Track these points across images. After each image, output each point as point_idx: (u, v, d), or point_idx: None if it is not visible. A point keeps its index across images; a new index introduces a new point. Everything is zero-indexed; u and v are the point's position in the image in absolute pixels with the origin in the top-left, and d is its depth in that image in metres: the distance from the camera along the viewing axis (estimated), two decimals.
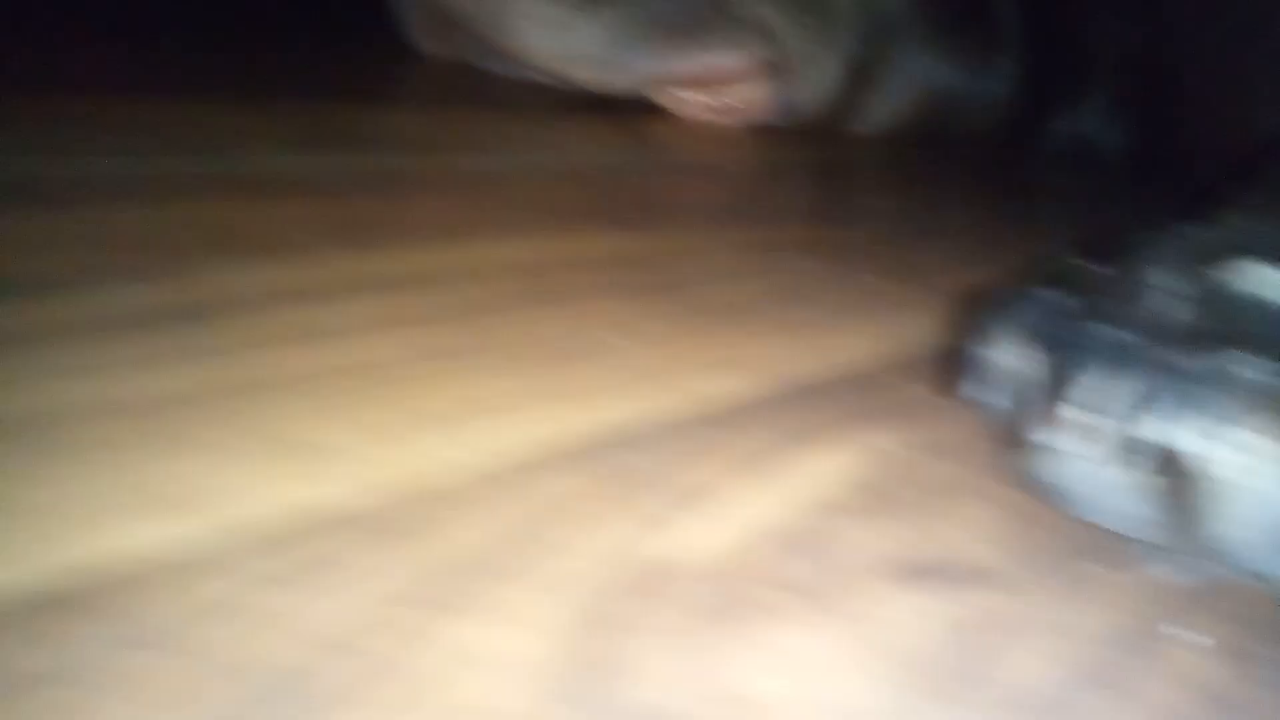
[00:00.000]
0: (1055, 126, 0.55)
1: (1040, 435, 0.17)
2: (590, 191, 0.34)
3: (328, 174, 0.30)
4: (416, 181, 0.31)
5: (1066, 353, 0.17)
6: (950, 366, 0.24)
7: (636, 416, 0.19)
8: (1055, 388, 0.17)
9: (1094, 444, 0.16)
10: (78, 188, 0.25)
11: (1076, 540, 0.17)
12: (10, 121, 0.28)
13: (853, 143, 0.50)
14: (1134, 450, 0.16)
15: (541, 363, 0.21)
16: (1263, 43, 0.47)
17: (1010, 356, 0.19)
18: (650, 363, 0.22)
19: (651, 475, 0.17)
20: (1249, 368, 0.16)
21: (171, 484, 0.14)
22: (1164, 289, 0.18)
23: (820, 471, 0.19)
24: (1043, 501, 0.18)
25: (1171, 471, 0.16)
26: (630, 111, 0.46)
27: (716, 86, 0.46)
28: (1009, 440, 0.19)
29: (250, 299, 0.21)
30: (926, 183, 0.48)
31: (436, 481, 0.16)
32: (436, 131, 0.38)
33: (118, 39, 0.42)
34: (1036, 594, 0.16)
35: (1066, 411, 0.16)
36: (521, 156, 0.36)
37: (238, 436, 0.16)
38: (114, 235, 0.22)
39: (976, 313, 0.20)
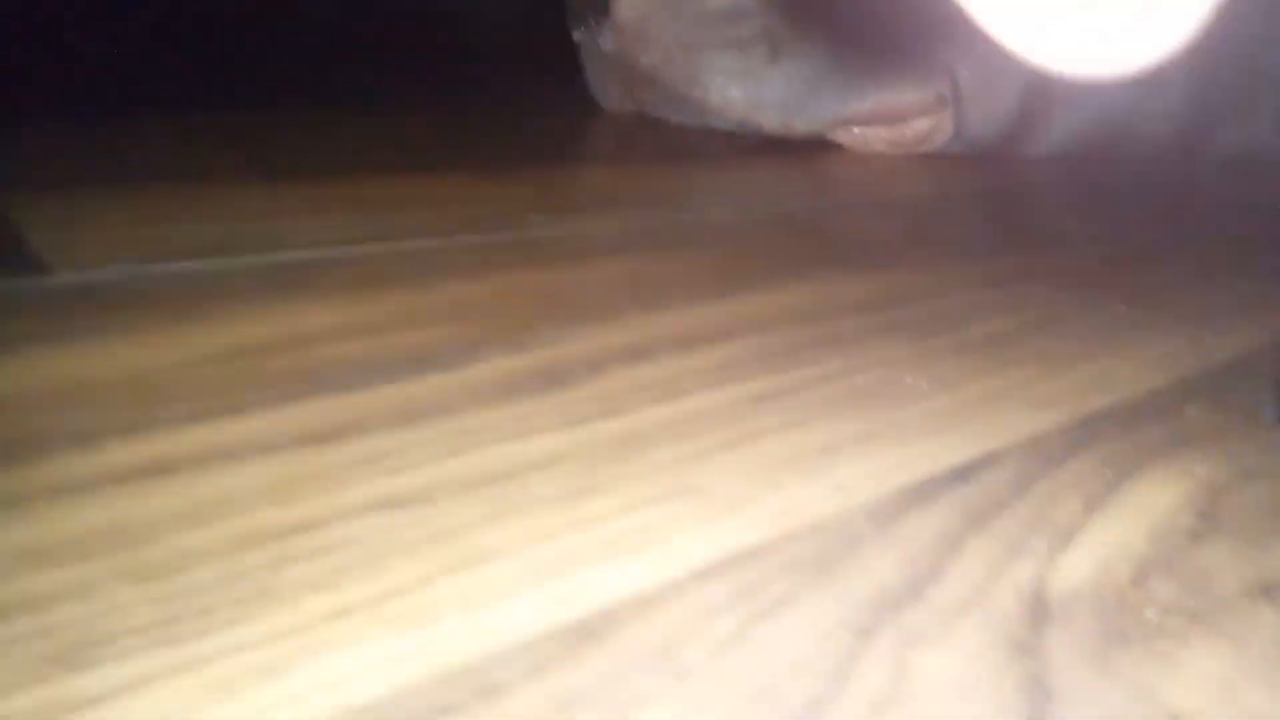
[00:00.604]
0: (1224, 139, 0.55)
1: None
2: (811, 235, 0.36)
3: (583, 241, 0.32)
4: (665, 236, 0.33)
5: None
6: (1245, 399, 0.25)
7: (968, 458, 0.21)
8: None
9: None
10: (399, 269, 0.27)
11: None
12: (318, 209, 0.31)
13: (1030, 167, 0.50)
14: None
15: (862, 407, 0.23)
16: None
17: None
18: (954, 403, 0.23)
19: (1005, 511, 0.19)
20: None
21: (614, 529, 0.17)
22: None
23: (1154, 502, 0.20)
24: None
25: None
26: (808, 151, 0.47)
27: (896, 122, 0.48)
28: None
29: (594, 361, 0.23)
30: (1118, 203, 0.48)
31: (827, 519, 0.18)
32: (651, 188, 0.40)
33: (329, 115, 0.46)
34: None
35: None
36: (735, 208, 0.38)
37: (646, 485, 0.18)
38: (457, 309, 0.25)
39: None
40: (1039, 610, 0.16)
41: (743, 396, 0.22)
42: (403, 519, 0.16)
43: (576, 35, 0.49)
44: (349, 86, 0.53)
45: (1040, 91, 0.49)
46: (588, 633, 0.14)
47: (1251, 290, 0.34)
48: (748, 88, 0.45)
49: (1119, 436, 0.23)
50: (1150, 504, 0.20)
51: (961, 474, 0.20)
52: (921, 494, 0.19)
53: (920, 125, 0.48)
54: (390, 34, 0.76)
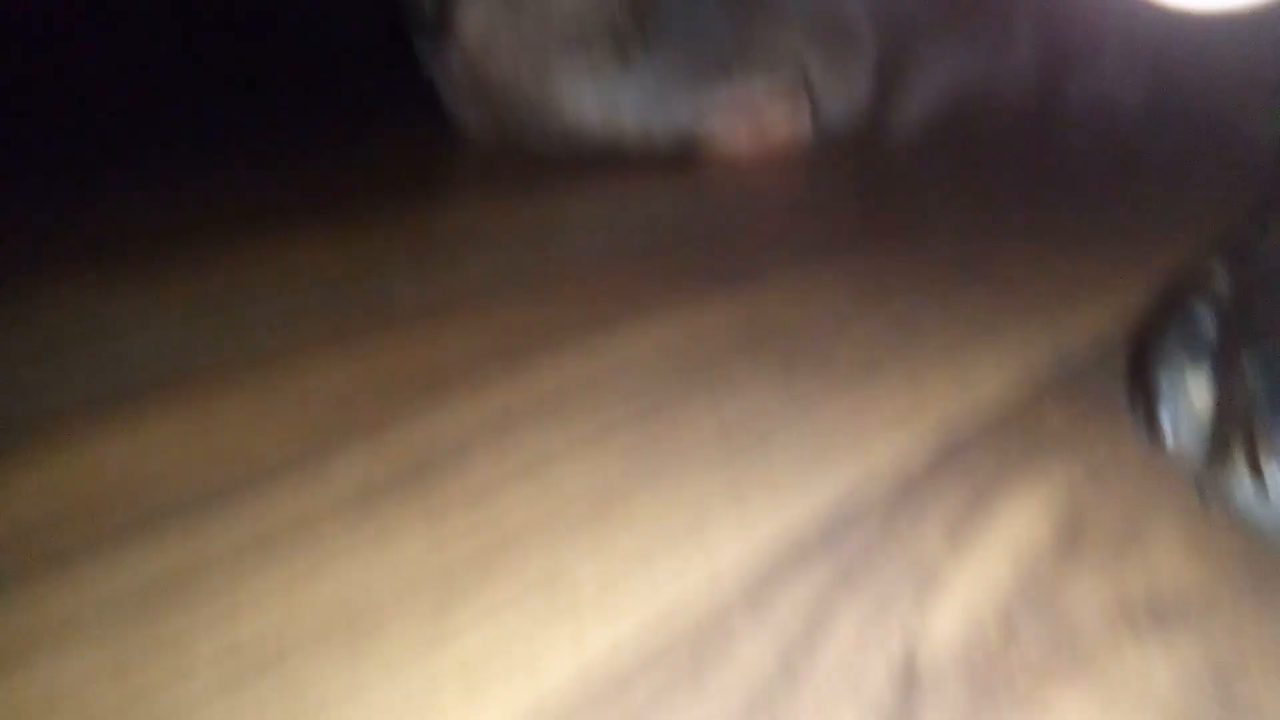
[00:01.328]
0: (1073, 92, 0.56)
1: (1232, 462, 0.19)
2: (679, 254, 0.36)
3: (445, 291, 0.31)
4: (530, 279, 0.32)
5: (1236, 376, 0.19)
6: (1099, 386, 0.26)
7: (835, 500, 0.21)
8: (1244, 416, 0.18)
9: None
10: (246, 367, 0.26)
11: None
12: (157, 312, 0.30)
13: (893, 155, 0.51)
14: None
15: (731, 451, 0.22)
16: None
17: (1183, 384, 0.20)
18: (820, 430, 0.24)
19: (874, 559, 0.19)
20: None
21: (478, 653, 0.16)
22: None
23: (1016, 524, 0.20)
24: (1245, 530, 0.19)
25: None
26: (673, 168, 0.47)
27: (756, 114, 0.48)
28: (1195, 469, 0.21)
29: (458, 445, 0.22)
30: (973, 175, 0.49)
31: (698, 607, 0.18)
32: (517, 222, 0.39)
33: (141, 177, 0.44)
34: (1271, 625, 0.17)
35: (1251, 437, 0.18)
36: (603, 235, 0.38)
37: (511, 595, 0.18)
38: (311, 405, 0.24)
39: (1135, 339, 0.22)
40: (910, 680, 0.16)
41: (612, 462, 0.22)
42: (251, 679, 0.15)
43: (424, 58, 0.48)
44: (181, 129, 0.50)
45: (892, 67, 0.49)
46: None
47: (1106, 261, 0.35)
48: (600, 89, 0.45)
49: (979, 447, 0.23)
50: (1012, 526, 0.20)
51: (830, 524, 0.20)
52: (792, 557, 0.19)
53: (778, 117, 0.48)
54: (228, 68, 0.72)
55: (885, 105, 0.50)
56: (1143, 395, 0.23)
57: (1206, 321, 0.22)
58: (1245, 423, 0.18)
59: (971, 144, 0.51)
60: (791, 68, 0.47)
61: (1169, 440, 0.21)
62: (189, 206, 0.38)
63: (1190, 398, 0.21)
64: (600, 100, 0.45)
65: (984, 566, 0.19)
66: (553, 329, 0.29)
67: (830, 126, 0.50)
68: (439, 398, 0.24)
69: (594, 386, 0.25)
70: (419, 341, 0.28)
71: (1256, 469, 0.18)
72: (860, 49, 0.48)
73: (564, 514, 0.20)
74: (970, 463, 0.22)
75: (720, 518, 0.20)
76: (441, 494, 0.21)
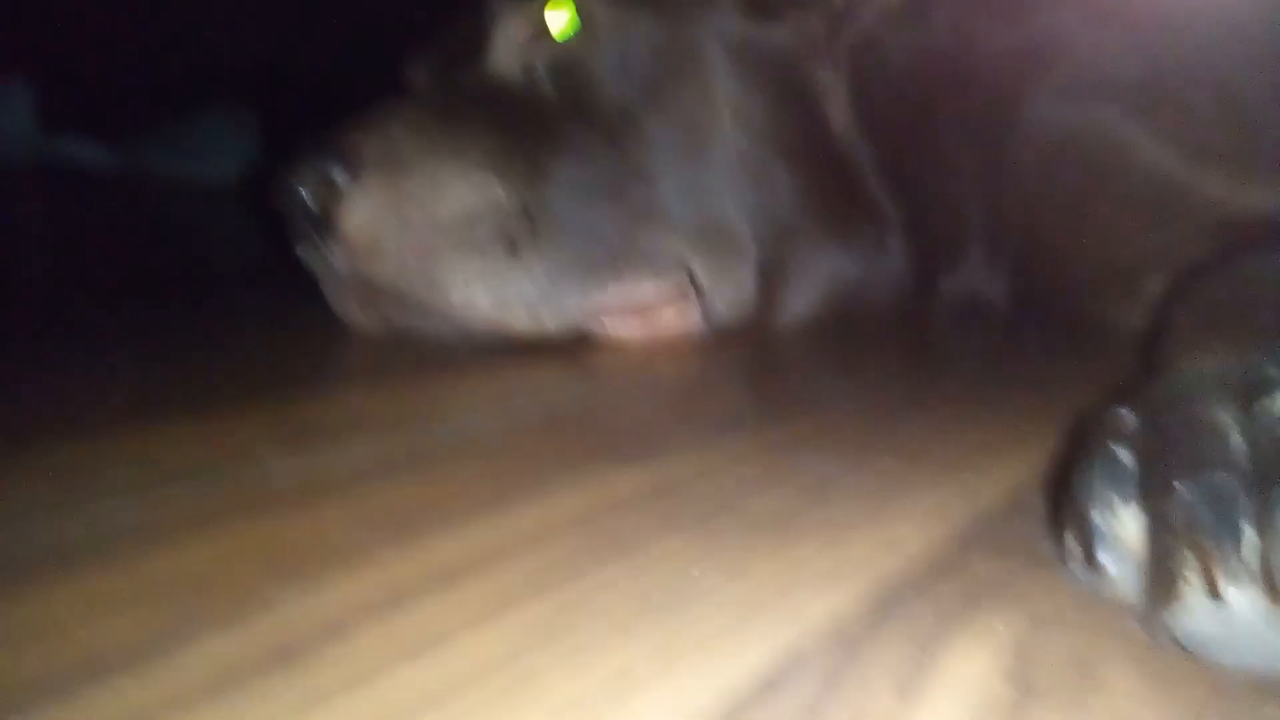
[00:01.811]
0: (945, 287, 0.60)
1: (1183, 592, 0.17)
2: (579, 432, 0.35)
3: (328, 473, 0.29)
4: (419, 461, 0.30)
5: (1174, 509, 0.18)
6: (1022, 538, 0.25)
7: (771, 660, 0.19)
8: (1194, 545, 0.18)
9: (1239, 588, 0.17)
10: (89, 547, 0.23)
11: (1259, 688, 0.18)
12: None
13: (777, 337, 0.52)
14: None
15: (654, 617, 0.20)
16: (1111, 186, 0.53)
17: (1117, 522, 0.20)
18: (748, 593, 0.22)
19: (823, 714, 0.17)
20: None
21: None
22: (1225, 427, 0.20)
23: (966, 677, 0.19)
24: (1201, 660, 0.18)
25: None
26: (565, 346, 0.47)
27: (644, 313, 0.48)
28: (1135, 602, 0.20)
29: (335, 623, 0.19)
30: (863, 359, 0.50)
31: None
32: (407, 405, 0.38)
33: (40, 369, 0.40)
34: None
35: (1206, 564, 0.17)
36: (498, 415, 0.36)
37: None
38: (162, 584, 0.21)
39: (1053, 486, 0.21)
40: None
41: (518, 633, 0.19)
42: None
43: (302, 254, 0.47)
44: (41, 331, 0.47)
45: (774, 269, 0.51)
46: None
47: (1000, 428, 0.36)
48: (492, 288, 0.44)
49: (915, 602, 0.22)
50: (962, 680, 0.18)
51: (768, 682, 0.18)
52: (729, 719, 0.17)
53: (668, 315, 0.49)
54: (98, 260, 0.70)
55: (769, 301, 0.52)
56: (1076, 537, 0.22)
57: (1127, 460, 0.22)
58: (1198, 551, 0.18)
59: (853, 332, 0.53)
60: (678, 269, 0.48)
61: (1109, 579, 0.20)
62: (37, 406, 0.35)
63: (1125, 535, 0.21)
64: (491, 296, 0.45)
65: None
66: (447, 506, 0.26)
67: (720, 323, 0.50)
68: (314, 577, 0.22)
69: (495, 559, 0.23)
70: (294, 524, 0.25)
71: (1215, 594, 0.17)
72: (743, 250, 0.50)
73: (462, 694, 0.17)
74: (908, 617, 0.21)
75: (646, 687, 0.18)
76: (315, 679, 0.18)
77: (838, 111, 0.54)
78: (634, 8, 0.50)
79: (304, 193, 0.44)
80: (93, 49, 1.42)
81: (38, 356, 0.42)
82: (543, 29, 0.49)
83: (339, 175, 0.43)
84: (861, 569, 0.23)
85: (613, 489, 0.28)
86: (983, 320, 0.57)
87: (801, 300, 0.53)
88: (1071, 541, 0.22)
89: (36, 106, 1.39)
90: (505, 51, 0.50)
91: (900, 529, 0.26)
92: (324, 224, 0.44)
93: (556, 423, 0.36)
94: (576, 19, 0.49)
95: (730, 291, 0.50)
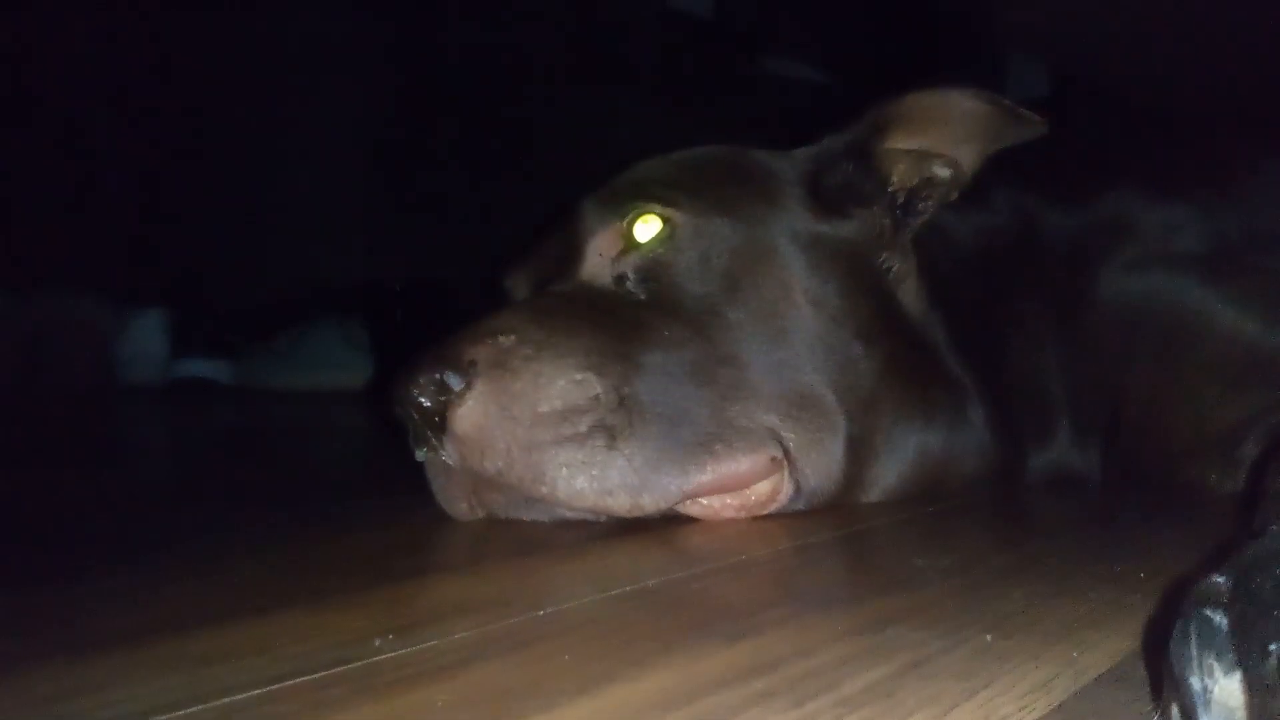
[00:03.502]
0: (1035, 461, 0.60)
1: None
2: (675, 610, 0.35)
3: (434, 657, 0.30)
4: (519, 642, 0.31)
5: (1271, 672, 0.18)
6: (1128, 710, 0.25)
7: None
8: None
9: None
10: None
11: None
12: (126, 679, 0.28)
13: (868, 512, 0.52)
14: None
15: None
16: (1194, 355, 0.53)
17: (1217, 687, 0.20)
18: None
19: None
20: None
21: None
22: None
23: None
24: None
25: None
26: (662, 523, 0.48)
27: (739, 489, 0.49)
28: None
29: None
30: (953, 534, 0.50)
31: None
32: (508, 589, 0.39)
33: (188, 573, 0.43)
34: None
35: None
36: (594, 595, 0.37)
37: None
38: None
39: (1151, 654, 0.21)
40: None
41: None
42: None
43: (419, 455, 0.50)
44: (173, 534, 0.51)
45: (862, 441, 0.52)
46: None
47: (1101, 598, 0.35)
48: (593, 477, 0.46)
49: None
50: None
51: None
52: None
53: (761, 489, 0.50)
54: (223, 473, 0.75)
55: (858, 473, 0.52)
56: (1178, 705, 0.21)
57: (1222, 625, 0.22)
58: None
59: (946, 507, 0.53)
60: (770, 441, 0.50)
61: None
62: (169, 604, 0.38)
63: (1227, 700, 0.20)
64: (592, 487, 0.47)
65: None
66: (546, 685, 0.27)
67: (812, 496, 0.51)
68: None
69: None
70: (403, 705, 0.26)
71: None
72: (831, 420, 0.52)
73: None
74: None
75: None
76: None
77: (908, 294, 0.57)
78: (713, 215, 0.54)
79: (422, 398, 0.47)
80: (216, 276, 1.57)
81: (167, 558, 0.45)
82: (631, 240, 0.54)
83: (453, 381, 0.47)
84: None
85: (708, 667, 0.28)
86: (1076, 491, 0.56)
87: (890, 472, 0.54)
88: (1175, 710, 0.21)
89: (167, 331, 1.52)
90: (597, 261, 0.54)
91: (1003, 706, 0.26)
92: (439, 425, 0.47)
93: (652, 602, 0.36)
94: (664, 228, 0.53)
95: (821, 461, 0.51)
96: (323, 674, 0.28)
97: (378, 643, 0.31)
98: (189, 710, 0.26)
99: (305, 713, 0.25)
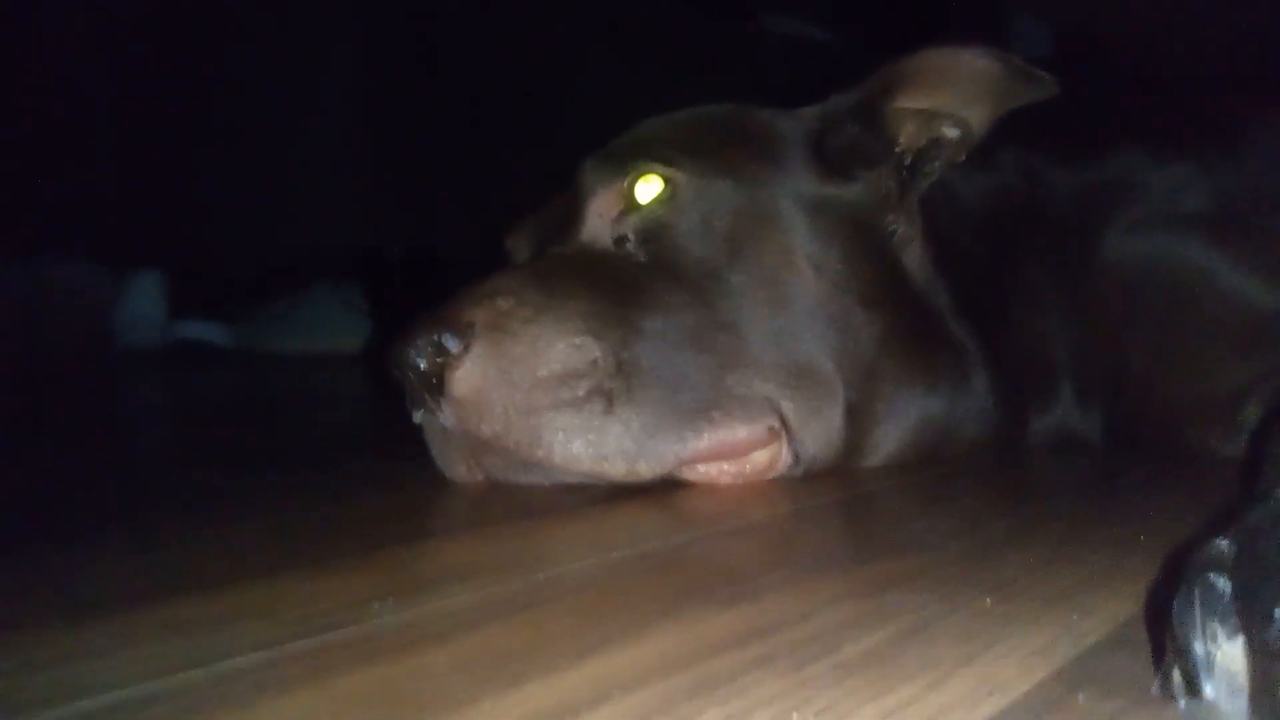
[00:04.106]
0: (1038, 425, 0.59)
1: None
2: (674, 575, 0.35)
3: (434, 621, 0.30)
4: (519, 606, 0.31)
5: (1275, 637, 0.18)
6: (1129, 675, 0.24)
7: None
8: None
9: None
10: (218, 696, 0.24)
11: None
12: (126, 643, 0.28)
13: (868, 476, 0.52)
14: None
15: None
16: (1197, 317, 0.52)
17: (1221, 652, 0.19)
18: None
19: None
20: None
21: None
22: None
23: None
24: None
25: None
26: (660, 488, 0.48)
27: (736, 456, 0.49)
28: None
29: None
30: (954, 498, 0.50)
31: None
32: (506, 554, 0.39)
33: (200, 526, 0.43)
34: None
35: None
36: (594, 560, 0.37)
37: None
38: None
39: (1153, 621, 0.21)
40: None
41: None
42: None
43: (416, 417, 0.49)
44: (173, 499, 0.51)
45: (862, 408, 0.52)
46: None
47: (1102, 562, 0.35)
48: (589, 442, 0.46)
49: None
50: None
51: None
52: None
53: (759, 457, 0.50)
54: (222, 437, 0.75)
55: (858, 440, 0.52)
56: (1180, 670, 0.21)
57: (1225, 590, 0.21)
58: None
59: (946, 470, 0.53)
60: (768, 410, 0.50)
61: (1217, 712, 0.20)
62: (171, 568, 0.38)
63: (1230, 665, 0.20)
64: (588, 451, 0.47)
65: None
66: (546, 650, 0.27)
67: (811, 463, 0.51)
68: None
69: (593, 702, 0.24)
70: (404, 668, 0.26)
71: None
72: (830, 390, 0.51)
73: None
74: None
75: None
76: None
77: (913, 258, 0.56)
78: (715, 176, 0.53)
79: (419, 360, 0.47)
80: (214, 239, 1.56)
81: (167, 522, 0.45)
82: (631, 201, 0.53)
83: (451, 343, 0.46)
84: (964, 713, 0.23)
85: (708, 631, 0.28)
86: (1078, 454, 0.56)
87: (890, 439, 0.54)
88: (1177, 675, 0.21)
89: (164, 294, 1.52)
90: (597, 222, 0.54)
91: (1003, 670, 0.26)
92: (436, 387, 0.47)
93: (651, 567, 0.36)
94: (665, 189, 0.53)
95: (820, 430, 0.51)
96: (322, 638, 0.28)
97: (377, 607, 0.31)
98: (188, 674, 0.26)
99: (305, 677, 0.25)
